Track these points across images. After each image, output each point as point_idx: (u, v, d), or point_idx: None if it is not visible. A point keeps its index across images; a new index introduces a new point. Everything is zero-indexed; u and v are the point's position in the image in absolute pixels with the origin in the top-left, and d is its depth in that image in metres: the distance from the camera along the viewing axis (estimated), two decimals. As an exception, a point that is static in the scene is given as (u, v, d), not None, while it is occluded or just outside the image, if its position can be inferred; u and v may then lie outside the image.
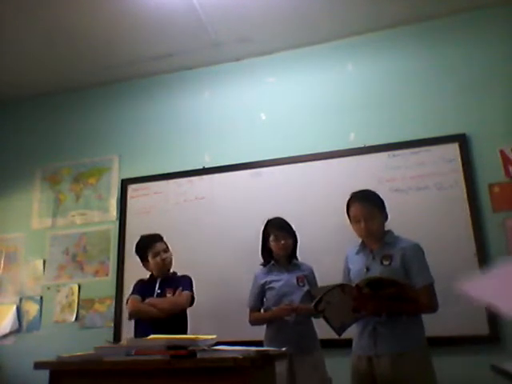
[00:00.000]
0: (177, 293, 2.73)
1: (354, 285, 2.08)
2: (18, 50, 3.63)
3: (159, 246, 2.82)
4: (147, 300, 2.72)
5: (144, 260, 2.85)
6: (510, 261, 0.82)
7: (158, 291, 2.77)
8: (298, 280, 2.64)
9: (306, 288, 2.63)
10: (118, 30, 3.45)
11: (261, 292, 2.70)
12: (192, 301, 2.77)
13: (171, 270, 2.87)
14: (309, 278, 2.68)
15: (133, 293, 2.83)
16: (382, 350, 2.11)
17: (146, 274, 2.90)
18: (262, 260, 2.79)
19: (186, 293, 2.74)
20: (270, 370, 1.88)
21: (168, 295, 2.74)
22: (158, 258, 2.78)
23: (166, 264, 2.81)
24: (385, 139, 3.24)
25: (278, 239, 2.67)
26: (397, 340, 2.10)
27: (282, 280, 2.65)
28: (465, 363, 2.72)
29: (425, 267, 2.19)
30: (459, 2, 3.27)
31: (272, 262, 2.72)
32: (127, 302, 2.81)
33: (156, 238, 2.85)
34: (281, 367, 2.41)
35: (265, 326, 2.67)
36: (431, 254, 2.31)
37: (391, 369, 2.07)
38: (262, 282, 2.69)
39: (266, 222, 2.77)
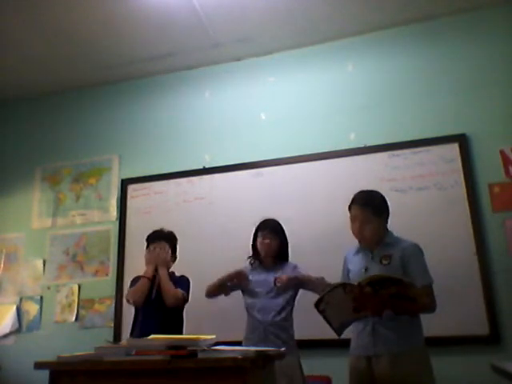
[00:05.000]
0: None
1: (356, 284, 2.07)
2: (17, 50, 3.62)
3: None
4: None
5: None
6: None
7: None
8: (275, 281, 2.60)
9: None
10: (118, 30, 3.45)
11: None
12: (184, 301, 2.77)
13: (170, 270, 2.88)
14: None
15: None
16: (381, 349, 2.11)
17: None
18: None
19: (179, 290, 2.74)
20: (269, 370, 1.88)
21: None
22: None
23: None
24: (385, 139, 3.24)
25: (264, 238, 2.69)
26: (396, 340, 2.10)
27: (258, 279, 2.67)
28: (465, 363, 2.72)
29: (424, 267, 2.19)
30: (459, 2, 3.27)
31: (257, 260, 2.73)
32: (127, 299, 2.85)
33: (159, 236, 2.89)
34: None
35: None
36: (431, 254, 2.31)
37: (390, 369, 2.07)
38: None
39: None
